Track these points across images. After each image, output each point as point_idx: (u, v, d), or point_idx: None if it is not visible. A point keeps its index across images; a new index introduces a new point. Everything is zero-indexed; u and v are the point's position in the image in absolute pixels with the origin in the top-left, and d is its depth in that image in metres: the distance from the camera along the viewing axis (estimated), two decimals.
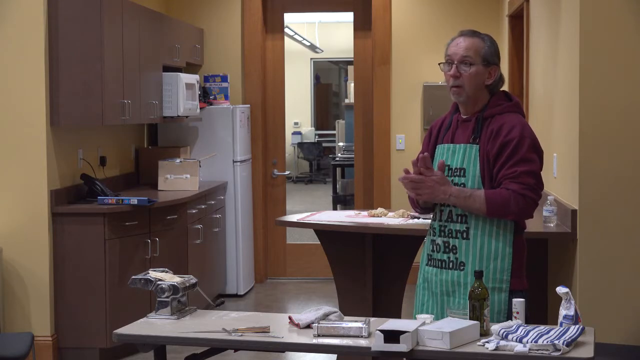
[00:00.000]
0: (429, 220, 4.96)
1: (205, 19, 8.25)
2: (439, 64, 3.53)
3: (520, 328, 3.11)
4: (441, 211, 3.45)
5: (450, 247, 3.41)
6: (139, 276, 3.63)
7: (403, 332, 3.01)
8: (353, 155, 8.86)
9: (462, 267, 3.38)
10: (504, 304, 3.36)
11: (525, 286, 3.46)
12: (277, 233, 8.51)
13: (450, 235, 3.42)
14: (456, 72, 3.41)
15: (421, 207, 3.57)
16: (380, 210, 5.29)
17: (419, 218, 5.03)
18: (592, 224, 4.32)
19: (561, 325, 3.17)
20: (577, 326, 3.12)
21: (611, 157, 4.30)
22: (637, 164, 4.29)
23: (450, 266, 3.41)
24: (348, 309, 5.01)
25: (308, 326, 3.31)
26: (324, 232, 5.25)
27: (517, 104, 3.48)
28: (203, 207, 6.98)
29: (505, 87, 8.06)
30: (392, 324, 3.13)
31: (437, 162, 3.44)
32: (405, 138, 8.16)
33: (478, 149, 3.39)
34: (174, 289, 3.53)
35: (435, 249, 3.47)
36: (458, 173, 3.41)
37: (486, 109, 3.43)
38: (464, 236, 3.39)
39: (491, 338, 3.09)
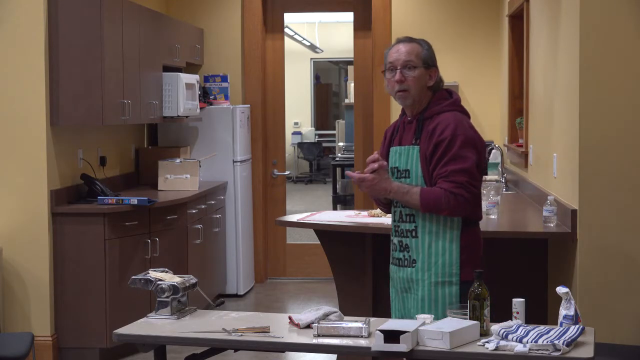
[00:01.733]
0: None
1: (205, 19, 8.25)
2: (381, 71, 3.65)
3: (520, 328, 3.12)
4: (394, 212, 3.63)
5: (404, 245, 3.58)
6: (139, 276, 3.63)
7: (403, 332, 3.01)
8: (353, 155, 8.86)
9: (414, 265, 3.54)
10: (455, 297, 3.48)
11: None
12: (277, 233, 8.51)
13: (402, 234, 3.58)
14: (401, 77, 3.55)
15: (383, 204, 3.74)
16: (380, 210, 5.29)
17: None
18: (592, 224, 4.32)
19: (561, 325, 3.18)
20: (577, 326, 3.12)
21: (611, 157, 4.30)
22: (637, 164, 4.29)
23: (405, 264, 3.57)
24: (348, 309, 5.01)
25: (308, 326, 3.31)
26: (324, 232, 5.24)
27: (454, 102, 3.62)
28: (203, 207, 6.98)
29: (505, 87, 8.08)
30: (392, 324, 3.13)
31: (389, 165, 3.61)
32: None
33: (419, 149, 3.53)
34: (174, 289, 3.53)
35: (394, 248, 3.64)
36: (404, 174, 3.57)
37: (427, 109, 3.58)
38: (413, 235, 3.54)
39: (491, 338, 3.09)
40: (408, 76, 3.54)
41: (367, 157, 3.62)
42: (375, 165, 3.49)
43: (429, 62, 3.57)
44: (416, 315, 3.36)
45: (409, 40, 3.61)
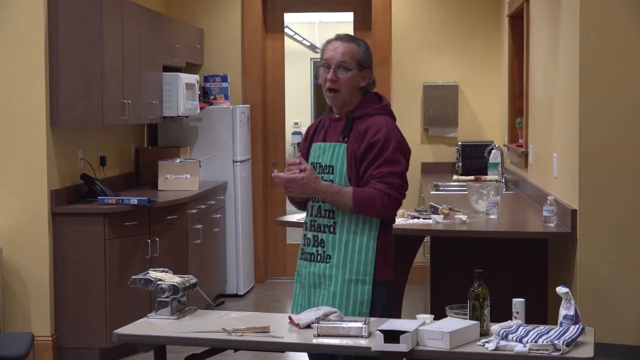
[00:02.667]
0: (429, 221, 4.99)
1: (205, 19, 8.25)
2: (317, 67, 3.62)
3: (520, 328, 3.12)
4: (311, 207, 3.63)
5: (319, 240, 3.59)
6: (139, 276, 3.63)
7: (403, 332, 3.01)
8: None
9: (328, 260, 3.56)
10: (367, 295, 3.51)
11: (391, 278, 3.60)
12: (277, 233, 8.52)
13: (319, 229, 3.59)
14: (334, 77, 3.57)
15: (297, 202, 3.74)
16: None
17: (419, 218, 5.03)
18: (592, 224, 4.32)
19: (561, 325, 3.18)
20: (577, 326, 3.12)
21: (611, 157, 4.30)
22: (637, 164, 4.29)
23: (318, 259, 3.59)
24: None
25: (308, 326, 3.31)
26: None
27: (385, 106, 3.65)
28: (203, 207, 6.98)
29: (505, 87, 8.08)
30: (392, 324, 3.13)
31: (310, 160, 3.63)
32: (405, 138, 8.15)
33: (346, 147, 3.55)
34: (174, 289, 3.53)
35: (306, 242, 3.65)
36: (327, 170, 3.58)
37: (357, 109, 3.60)
38: (331, 230, 3.56)
39: (491, 338, 3.09)
40: (341, 77, 3.56)
41: None
42: (303, 165, 3.50)
43: (363, 64, 3.59)
44: (416, 315, 3.36)
45: (348, 39, 3.62)
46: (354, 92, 3.59)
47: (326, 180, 3.56)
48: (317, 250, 3.58)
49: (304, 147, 3.76)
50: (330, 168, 3.57)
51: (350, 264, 3.51)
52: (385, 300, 3.54)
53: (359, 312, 3.49)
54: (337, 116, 3.65)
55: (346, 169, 3.53)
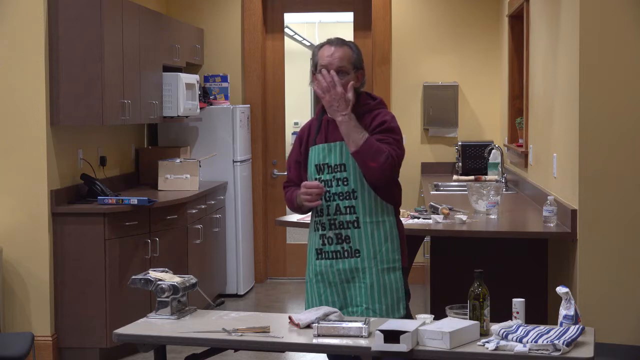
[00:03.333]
0: (429, 221, 4.99)
1: (205, 19, 8.25)
2: (314, 73, 3.69)
3: (520, 328, 3.12)
4: (328, 207, 3.65)
5: (344, 237, 3.64)
6: (139, 276, 3.63)
7: (403, 332, 3.02)
8: None
9: (357, 254, 3.63)
10: (400, 281, 3.65)
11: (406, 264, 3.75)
12: (277, 233, 8.51)
13: (341, 227, 3.64)
14: None
15: (302, 211, 3.78)
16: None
17: (419, 218, 5.03)
18: (592, 224, 4.32)
19: (561, 325, 3.18)
20: (577, 326, 3.13)
21: (611, 157, 4.30)
22: (637, 163, 4.29)
23: (346, 255, 3.65)
24: None
25: (308, 326, 3.32)
26: None
27: (381, 102, 3.77)
28: (203, 207, 6.98)
29: (505, 87, 8.09)
30: (392, 324, 3.14)
31: (312, 163, 3.67)
32: (406, 138, 8.17)
33: None
34: (174, 289, 3.53)
35: (326, 242, 3.68)
36: (339, 169, 3.63)
37: (356, 108, 3.64)
38: (355, 225, 3.62)
39: (491, 338, 3.10)
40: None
41: None
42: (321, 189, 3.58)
43: (357, 65, 3.69)
44: (416, 315, 3.37)
45: (341, 43, 3.68)
46: (351, 93, 3.63)
47: (339, 179, 3.61)
48: (343, 247, 3.64)
49: (298, 152, 3.77)
50: (342, 166, 3.61)
51: (380, 255, 3.62)
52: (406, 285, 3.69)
53: (396, 297, 3.61)
54: None
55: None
